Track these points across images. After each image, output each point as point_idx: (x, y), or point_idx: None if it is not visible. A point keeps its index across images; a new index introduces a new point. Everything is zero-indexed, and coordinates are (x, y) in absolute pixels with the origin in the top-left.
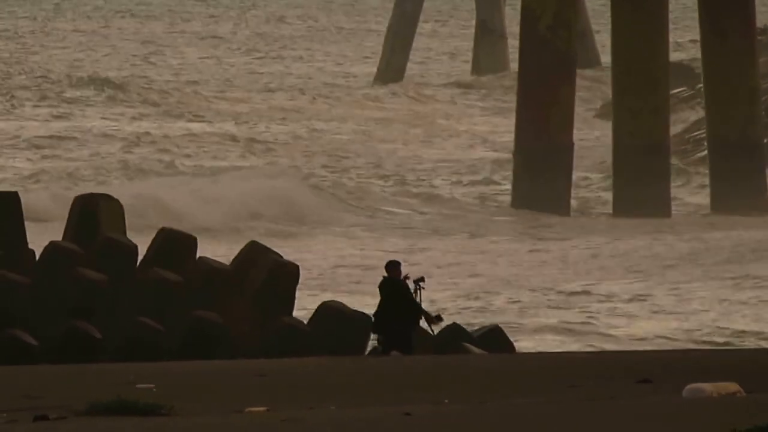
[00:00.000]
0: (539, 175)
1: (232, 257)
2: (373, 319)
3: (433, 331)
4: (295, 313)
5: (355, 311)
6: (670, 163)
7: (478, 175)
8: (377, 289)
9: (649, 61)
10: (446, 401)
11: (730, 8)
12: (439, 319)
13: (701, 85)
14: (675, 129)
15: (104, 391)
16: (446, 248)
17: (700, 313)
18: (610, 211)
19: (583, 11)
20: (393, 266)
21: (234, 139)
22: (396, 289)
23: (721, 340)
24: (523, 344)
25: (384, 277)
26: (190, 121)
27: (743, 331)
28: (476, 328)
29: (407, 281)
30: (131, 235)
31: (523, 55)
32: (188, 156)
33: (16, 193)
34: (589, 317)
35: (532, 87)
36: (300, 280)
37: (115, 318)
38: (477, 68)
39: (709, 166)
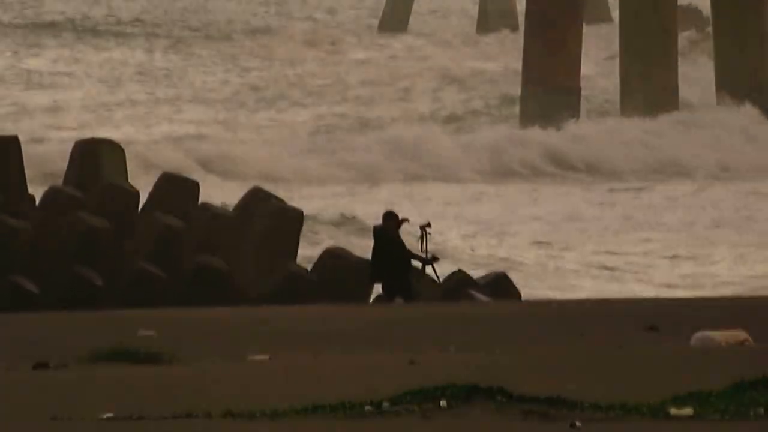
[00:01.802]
0: (546, 117)
1: None
2: (370, 267)
3: (438, 278)
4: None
5: (359, 258)
6: (678, 107)
7: None
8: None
9: (657, 5)
10: (452, 349)
11: None
12: (434, 259)
13: (710, 28)
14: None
15: (105, 338)
16: None
17: None
18: None
19: None
20: (387, 216)
21: None
22: (385, 239)
23: None
24: None
25: (375, 226)
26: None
27: None
28: (483, 275)
29: (404, 223)
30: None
31: None
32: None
33: (15, 137)
34: None
35: (538, 30)
36: None
37: (117, 264)
38: (484, 11)
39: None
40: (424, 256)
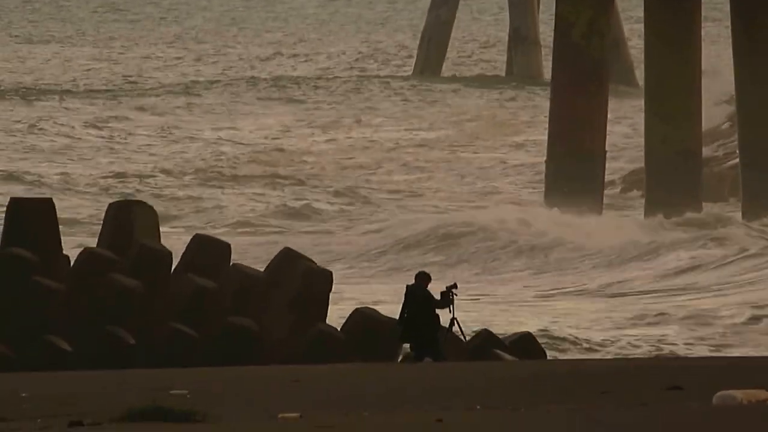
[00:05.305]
0: (571, 182)
1: None
2: (399, 327)
3: (465, 337)
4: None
5: (388, 318)
6: (701, 170)
7: None
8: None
9: (681, 68)
10: (478, 407)
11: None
12: (454, 286)
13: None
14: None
15: (139, 397)
16: None
17: None
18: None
19: (617, 20)
20: (420, 277)
21: None
22: (421, 297)
23: None
24: None
25: (407, 285)
26: None
27: None
28: (508, 335)
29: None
30: None
31: (556, 62)
32: None
33: (50, 200)
34: None
35: (564, 95)
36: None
37: (150, 324)
38: (510, 75)
39: (740, 175)
40: (451, 316)
